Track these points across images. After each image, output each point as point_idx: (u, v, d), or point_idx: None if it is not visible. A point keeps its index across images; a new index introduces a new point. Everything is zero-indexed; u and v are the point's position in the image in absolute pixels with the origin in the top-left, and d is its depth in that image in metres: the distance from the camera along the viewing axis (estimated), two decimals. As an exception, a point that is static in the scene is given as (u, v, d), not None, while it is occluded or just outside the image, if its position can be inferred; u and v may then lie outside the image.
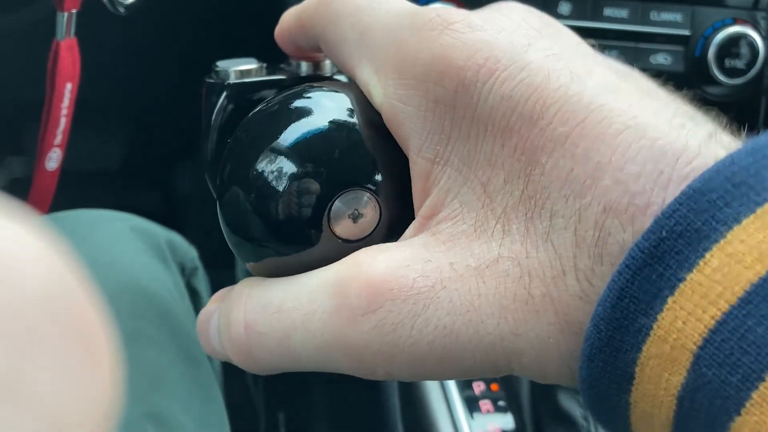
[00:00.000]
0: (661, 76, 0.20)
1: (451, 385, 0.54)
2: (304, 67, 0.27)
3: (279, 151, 0.20)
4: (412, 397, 0.56)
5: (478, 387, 0.54)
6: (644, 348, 0.16)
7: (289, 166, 0.20)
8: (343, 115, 0.21)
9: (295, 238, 0.21)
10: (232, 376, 0.61)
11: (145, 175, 0.99)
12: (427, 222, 0.20)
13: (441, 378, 0.20)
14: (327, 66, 0.27)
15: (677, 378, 0.16)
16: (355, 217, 0.21)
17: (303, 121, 0.21)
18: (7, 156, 0.86)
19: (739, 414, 0.15)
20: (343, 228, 0.21)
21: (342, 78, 0.27)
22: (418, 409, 0.55)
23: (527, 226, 0.18)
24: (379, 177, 0.21)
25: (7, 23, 0.68)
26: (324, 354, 0.20)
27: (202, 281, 0.57)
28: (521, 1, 0.22)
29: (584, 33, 0.22)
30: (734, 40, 0.50)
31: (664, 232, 0.16)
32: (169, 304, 0.48)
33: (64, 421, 0.13)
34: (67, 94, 0.51)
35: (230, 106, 0.27)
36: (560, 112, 0.18)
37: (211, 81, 0.27)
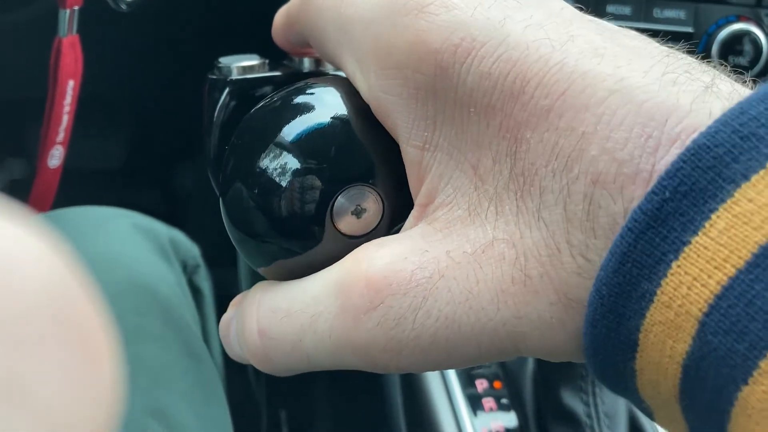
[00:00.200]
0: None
1: (454, 383, 0.54)
2: (306, 63, 0.27)
3: (281, 148, 0.20)
4: (414, 395, 0.56)
5: (481, 385, 0.54)
6: (648, 315, 0.16)
7: (291, 163, 0.20)
8: (343, 111, 0.21)
9: (299, 235, 0.21)
10: (234, 374, 0.61)
11: (148, 173, 0.99)
12: (424, 210, 0.20)
13: (452, 367, 0.20)
14: None
15: (682, 346, 0.15)
16: (359, 213, 0.21)
17: (304, 117, 0.21)
18: (8, 157, 0.86)
19: (746, 383, 0.14)
20: (347, 224, 0.21)
21: (343, 73, 0.27)
22: (420, 407, 0.55)
23: (518, 205, 0.18)
24: (380, 171, 0.21)
25: (8, 21, 0.68)
26: (335, 354, 0.20)
27: (204, 279, 0.57)
28: None
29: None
30: (738, 38, 0.50)
31: (667, 193, 0.15)
32: (172, 301, 0.48)
33: (64, 422, 0.13)
34: (69, 91, 0.51)
35: (233, 103, 0.27)
36: (541, 84, 0.18)
37: (214, 77, 0.27)
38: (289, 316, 0.20)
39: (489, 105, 0.18)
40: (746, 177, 0.15)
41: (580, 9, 0.20)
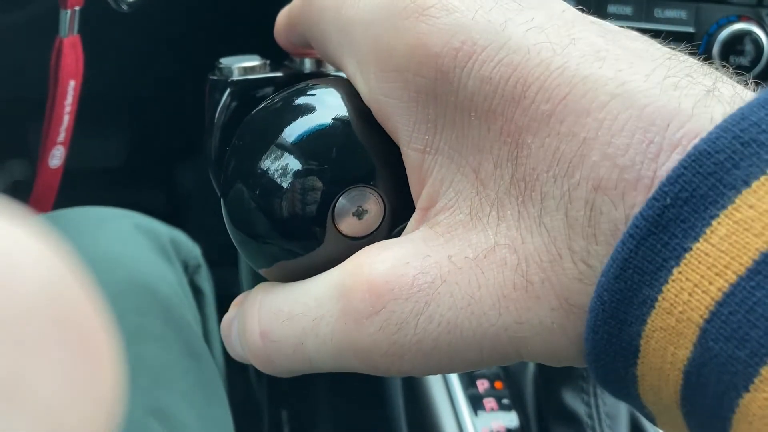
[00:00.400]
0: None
1: (455, 383, 0.54)
2: (308, 64, 0.27)
3: (282, 149, 0.20)
4: (416, 395, 0.56)
5: (482, 385, 0.54)
6: (649, 321, 0.16)
7: (292, 164, 0.20)
8: (344, 112, 0.21)
9: (300, 236, 0.21)
10: (235, 374, 0.61)
11: (149, 173, 0.99)
12: (426, 213, 0.20)
13: (454, 371, 0.20)
14: None
15: (683, 352, 0.15)
16: (360, 214, 0.21)
17: (305, 118, 0.21)
18: (9, 158, 0.86)
19: (747, 390, 0.14)
20: (348, 225, 0.21)
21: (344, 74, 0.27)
22: (422, 407, 0.55)
23: (520, 210, 0.18)
24: (382, 173, 0.21)
25: (8, 21, 0.68)
26: (337, 358, 0.20)
27: (205, 279, 0.57)
28: None
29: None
30: (739, 38, 0.50)
31: (668, 199, 0.15)
32: (173, 301, 0.48)
33: (64, 422, 0.13)
34: (70, 91, 0.51)
35: (234, 103, 0.27)
36: (542, 89, 0.17)
37: (215, 78, 0.27)
38: (290, 318, 0.20)
39: (490, 109, 0.18)
40: (747, 183, 0.15)
41: (582, 10, 0.20)
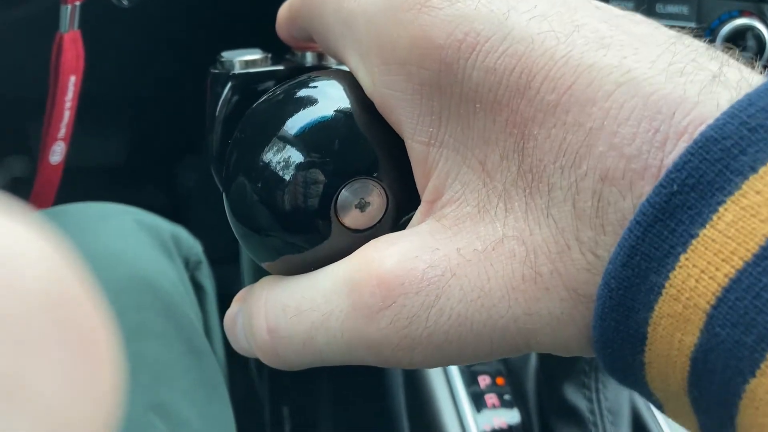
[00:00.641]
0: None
1: (457, 379, 0.54)
2: (309, 57, 0.27)
3: (284, 141, 0.20)
4: (417, 391, 0.56)
5: (484, 381, 0.54)
6: (656, 307, 0.16)
7: (294, 156, 0.20)
8: (346, 104, 0.21)
9: (303, 228, 0.20)
10: (236, 370, 0.61)
11: (150, 169, 0.99)
12: (431, 206, 0.20)
13: (464, 363, 0.20)
14: None
15: (690, 338, 0.15)
16: (363, 206, 0.21)
17: (307, 110, 0.21)
18: (8, 155, 0.86)
19: (753, 375, 0.14)
20: (351, 218, 0.20)
21: (347, 67, 0.27)
22: (423, 403, 0.55)
23: (527, 202, 0.18)
24: (384, 165, 0.21)
25: (8, 17, 0.68)
26: (348, 351, 0.20)
27: (206, 275, 0.57)
28: None
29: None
30: (741, 33, 0.50)
31: (675, 186, 0.15)
32: (174, 298, 0.48)
33: (64, 420, 0.13)
34: (70, 87, 0.51)
35: (235, 97, 0.26)
36: (547, 79, 0.17)
37: (216, 71, 0.27)
38: (299, 314, 0.20)
39: (495, 100, 0.18)
40: (754, 169, 0.15)
41: None
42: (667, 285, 0.15)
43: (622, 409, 0.50)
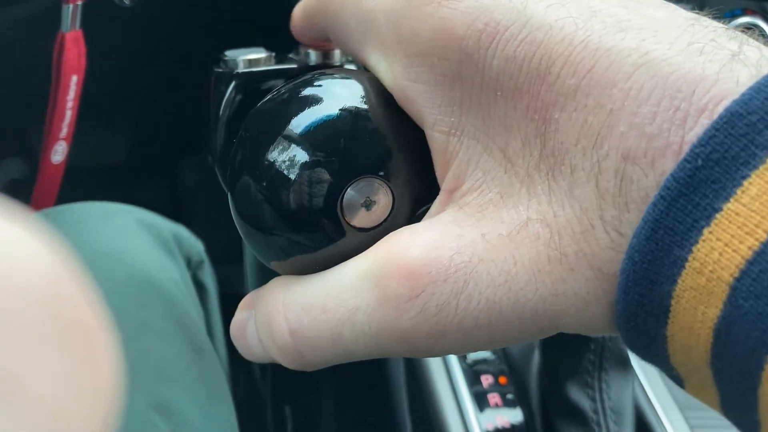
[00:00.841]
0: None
1: (459, 379, 0.54)
2: (313, 56, 0.27)
3: (289, 140, 0.20)
4: (420, 391, 0.56)
5: (486, 380, 0.54)
6: (679, 280, 0.16)
7: (299, 155, 0.20)
8: (351, 103, 0.21)
9: (309, 227, 0.20)
10: (239, 369, 0.61)
11: (151, 169, 0.99)
12: (451, 195, 0.20)
13: (493, 347, 0.21)
14: (336, 54, 0.27)
15: (713, 311, 0.16)
16: (368, 205, 0.21)
17: (311, 109, 0.21)
18: (8, 156, 0.86)
19: None
20: (357, 216, 0.20)
21: (351, 66, 0.27)
22: (425, 402, 0.55)
23: (550, 185, 0.18)
24: (389, 163, 0.21)
25: (10, 16, 0.68)
26: (376, 344, 0.20)
27: (208, 274, 0.57)
28: None
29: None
30: (744, 31, 0.50)
31: (700, 161, 0.16)
32: (176, 296, 0.48)
33: (64, 420, 0.13)
34: (72, 86, 0.51)
35: (239, 97, 0.26)
36: (566, 64, 0.18)
37: (220, 70, 0.27)
38: (324, 312, 0.20)
39: (516, 88, 0.18)
40: None
41: None
42: (690, 258, 0.16)
43: (626, 409, 0.50)
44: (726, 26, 0.18)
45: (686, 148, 0.16)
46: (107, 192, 0.57)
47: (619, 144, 0.17)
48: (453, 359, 0.55)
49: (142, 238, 0.51)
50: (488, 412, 0.52)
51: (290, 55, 0.28)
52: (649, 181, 0.17)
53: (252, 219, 0.21)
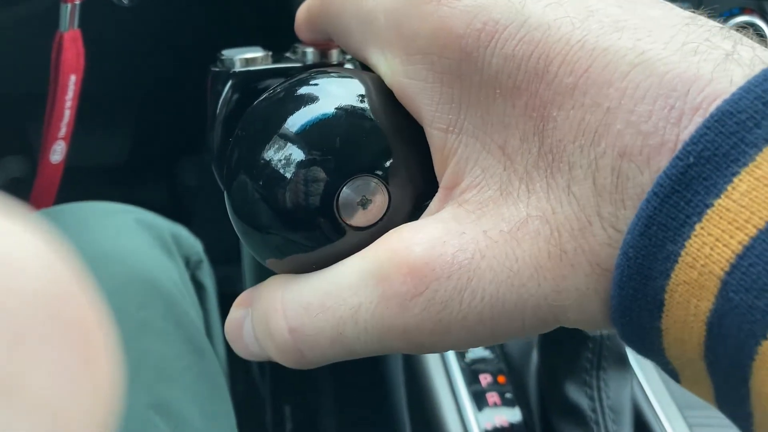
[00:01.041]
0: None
1: (458, 378, 0.54)
2: (310, 55, 0.27)
3: (285, 139, 0.20)
4: (418, 390, 0.56)
5: (485, 379, 0.54)
6: (673, 275, 0.16)
7: (295, 154, 0.20)
8: (347, 102, 0.21)
9: (305, 226, 0.20)
10: (238, 369, 0.61)
11: (150, 169, 1.00)
12: (450, 192, 0.20)
13: (496, 342, 0.21)
14: (333, 53, 0.27)
15: (705, 304, 0.16)
16: (364, 204, 0.21)
17: (307, 108, 0.21)
18: (7, 155, 0.86)
19: (765, 338, 0.15)
20: (354, 215, 0.21)
21: (348, 65, 0.27)
22: (424, 401, 0.55)
23: (549, 182, 0.18)
24: (385, 162, 0.21)
25: (8, 16, 0.68)
26: (379, 341, 0.20)
27: (207, 274, 0.57)
28: None
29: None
30: (741, 30, 0.50)
31: (691, 158, 0.16)
32: (175, 296, 0.48)
33: (63, 419, 0.13)
34: (71, 86, 0.51)
35: (236, 96, 0.26)
36: (564, 63, 0.18)
37: (217, 69, 0.27)
38: (324, 310, 0.20)
39: (514, 86, 0.19)
40: None
41: None
42: (683, 253, 0.16)
43: (624, 408, 0.50)
44: (721, 25, 0.18)
45: (680, 145, 0.16)
46: (107, 192, 0.58)
47: (616, 142, 0.17)
48: (452, 359, 0.55)
49: (142, 237, 0.51)
50: (487, 412, 0.52)
51: (287, 54, 0.28)
52: (645, 178, 0.17)
53: (248, 217, 0.21)
